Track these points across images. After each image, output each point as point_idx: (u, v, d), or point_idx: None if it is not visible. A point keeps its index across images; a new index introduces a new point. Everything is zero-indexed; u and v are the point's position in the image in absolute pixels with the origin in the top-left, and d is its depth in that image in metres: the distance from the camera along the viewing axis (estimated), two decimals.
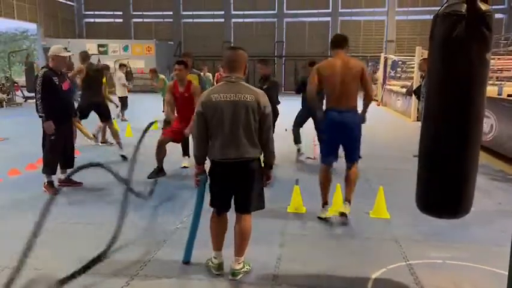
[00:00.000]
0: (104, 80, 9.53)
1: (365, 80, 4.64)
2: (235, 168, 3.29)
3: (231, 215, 3.49)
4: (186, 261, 3.66)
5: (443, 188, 2.56)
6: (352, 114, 4.59)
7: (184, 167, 7.06)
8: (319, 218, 4.77)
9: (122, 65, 13.79)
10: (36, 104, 5.42)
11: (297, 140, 7.92)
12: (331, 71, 4.56)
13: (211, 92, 3.28)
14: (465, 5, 2.37)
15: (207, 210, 3.51)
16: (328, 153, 4.74)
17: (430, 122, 2.58)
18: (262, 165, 3.46)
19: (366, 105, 4.83)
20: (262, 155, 3.40)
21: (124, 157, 7.60)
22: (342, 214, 4.66)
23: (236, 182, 3.34)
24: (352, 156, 4.72)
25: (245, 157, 3.26)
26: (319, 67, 4.71)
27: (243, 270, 3.47)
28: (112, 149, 8.47)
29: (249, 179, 3.33)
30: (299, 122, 7.97)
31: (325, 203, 4.81)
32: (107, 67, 11.38)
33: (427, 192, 2.66)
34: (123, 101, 13.34)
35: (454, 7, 2.42)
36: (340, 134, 4.64)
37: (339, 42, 4.70)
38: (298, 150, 7.94)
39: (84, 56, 8.06)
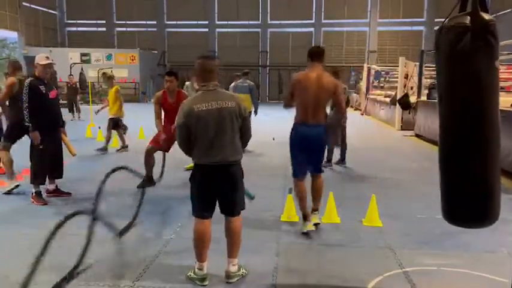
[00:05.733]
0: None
1: (337, 97, 4.67)
2: (219, 172, 3.33)
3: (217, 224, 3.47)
4: None
5: (470, 198, 2.55)
6: (320, 128, 4.62)
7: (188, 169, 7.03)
8: (303, 233, 4.57)
9: None
10: (23, 113, 5.32)
11: None
12: (306, 85, 4.52)
13: (193, 103, 3.30)
14: (468, 17, 2.42)
15: (190, 219, 3.45)
16: (300, 167, 4.70)
17: (446, 133, 2.58)
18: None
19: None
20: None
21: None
22: (316, 225, 4.68)
23: (221, 186, 3.37)
24: (319, 167, 4.80)
25: (229, 160, 3.34)
26: (295, 82, 4.65)
27: (238, 273, 3.45)
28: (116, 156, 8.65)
29: (233, 181, 3.41)
30: None
31: (305, 216, 4.61)
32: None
33: (454, 203, 2.63)
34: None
35: (457, 19, 2.46)
36: (308, 147, 4.64)
37: (318, 55, 4.64)
38: None
39: (16, 67, 6.37)
